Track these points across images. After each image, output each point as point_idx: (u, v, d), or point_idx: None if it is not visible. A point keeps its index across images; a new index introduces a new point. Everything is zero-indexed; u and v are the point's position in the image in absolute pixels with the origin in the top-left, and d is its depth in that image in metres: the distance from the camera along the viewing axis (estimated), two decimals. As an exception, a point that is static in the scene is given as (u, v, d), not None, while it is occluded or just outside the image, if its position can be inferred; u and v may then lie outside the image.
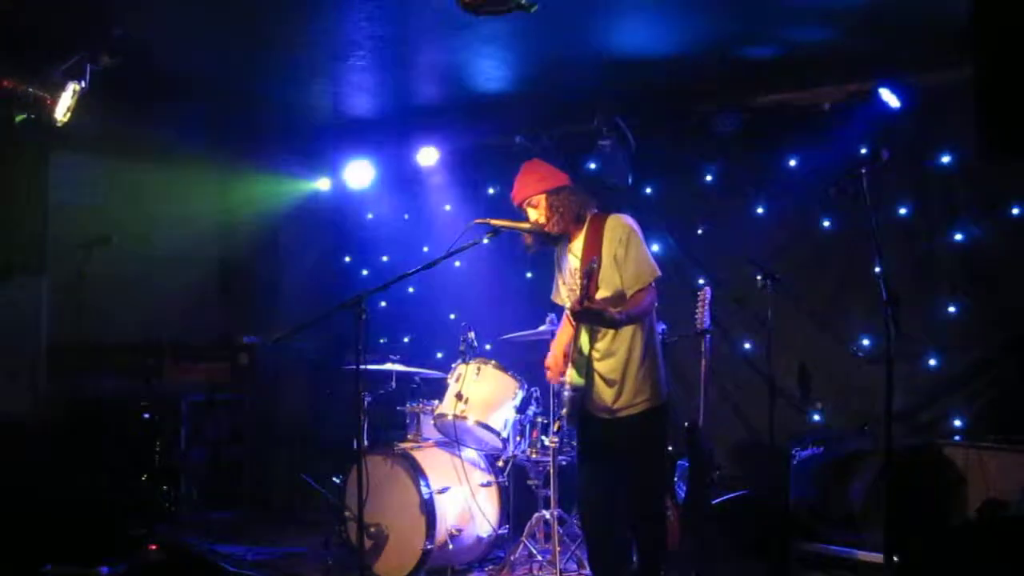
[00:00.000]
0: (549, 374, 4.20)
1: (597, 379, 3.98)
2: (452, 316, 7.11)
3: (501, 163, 6.91)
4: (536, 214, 4.11)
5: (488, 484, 5.48)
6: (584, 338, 3.98)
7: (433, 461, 5.34)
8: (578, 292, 3.79)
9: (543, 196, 4.09)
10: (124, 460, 6.61)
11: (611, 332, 3.95)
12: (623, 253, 3.93)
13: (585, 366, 3.96)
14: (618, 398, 3.97)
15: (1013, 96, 2.59)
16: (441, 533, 5.11)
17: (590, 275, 3.71)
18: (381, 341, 7.25)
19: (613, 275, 3.94)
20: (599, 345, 3.98)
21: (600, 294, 3.89)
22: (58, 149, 6.31)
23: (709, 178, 6.16)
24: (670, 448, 5.08)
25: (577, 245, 4.07)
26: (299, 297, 7.76)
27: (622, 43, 5.15)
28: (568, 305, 4.19)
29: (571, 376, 3.97)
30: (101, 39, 4.75)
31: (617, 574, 4.11)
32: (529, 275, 6.64)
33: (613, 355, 3.97)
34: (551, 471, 5.10)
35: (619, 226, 3.98)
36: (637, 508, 4.04)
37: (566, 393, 3.96)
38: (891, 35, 4.91)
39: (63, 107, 4.91)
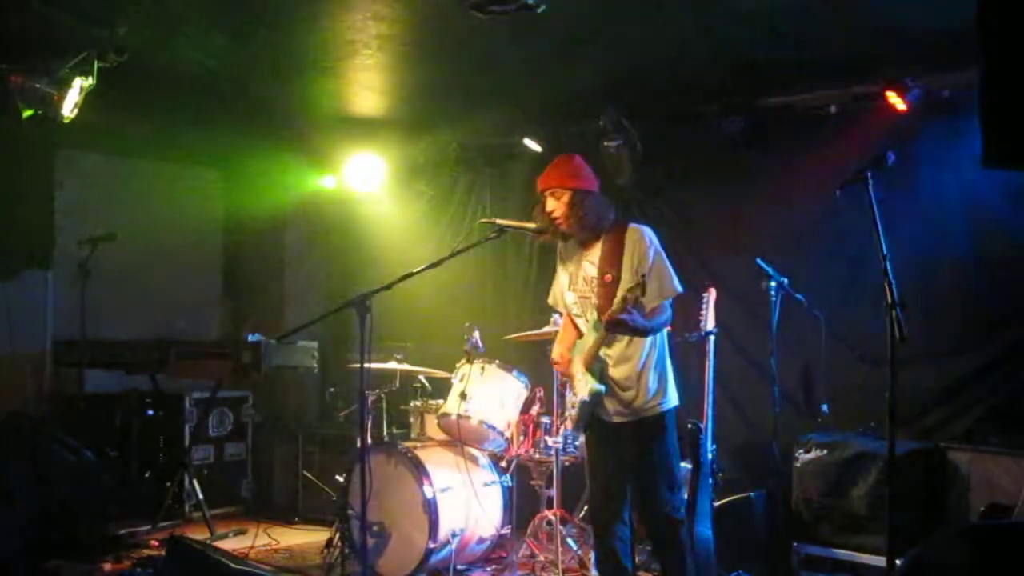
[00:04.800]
0: (558, 367, 4.22)
1: (612, 385, 3.99)
2: (456, 315, 7.10)
3: (507, 162, 6.93)
4: (554, 204, 4.06)
5: (491, 484, 5.49)
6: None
7: (436, 460, 5.34)
8: (598, 300, 3.84)
9: (572, 192, 4.05)
10: (127, 456, 6.62)
11: (625, 338, 3.97)
12: (648, 266, 3.91)
13: (600, 372, 3.97)
14: (632, 402, 3.99)
15: (1017, 103, 2.58)
16: (443, 532, 5.11)
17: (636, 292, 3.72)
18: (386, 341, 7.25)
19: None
20: (612, 351, 3.99)
21: (618, 304, 3.90)
22: (65, 146, 6.32)
23: (714, 179, 6.16)
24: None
25: (594, 254, 4.06)
26: (303, 295, 7.78)
27: (628, 44, 5.14)
28: (574, 312, 4.19)
29: (590, 383, 3.97)
30: (109, 36, 4.76)
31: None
32: (534, 275, 6.64)
33: (628, 360, 3.98)
34: (554, 471, 5.10)
35: (642, 238, 3.99)
36: (649, 511, 4.06)
37: (583, 400, 3.96)
38: (897, 38, 4.91)
39: (70, 104, 4.92)
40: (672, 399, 4.08)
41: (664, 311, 3.98)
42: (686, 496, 5.00)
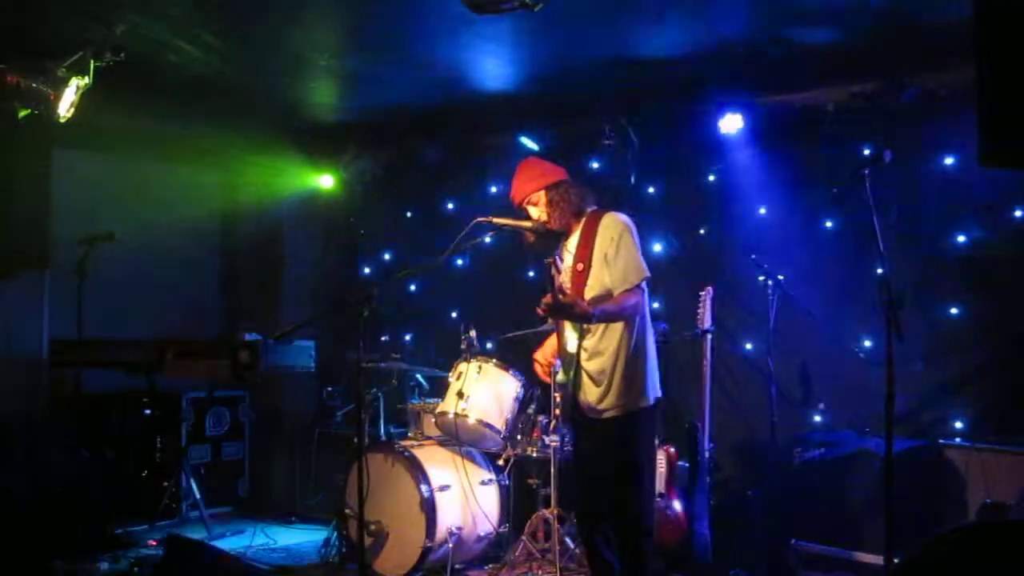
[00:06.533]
0: (536, 367, 4.19)
1: (585, 378, 3.91)
2: (454, 314, 7.12)
3: (504, 162, 6.92)
4: (537, 212, 4.03)
5: (488, 482, 5.49)
6: (572, 336, 3.95)
7: (434, 459, 5.34)
8: (571, 290, 3.76)
9: (542, 192, 4.01)
10: (125, 456, 6.61)
11: (599, 331, 3.87)
12: (613, 252, 3.84)
13: (573, 364, 3.93)
14: (603, 399, 3.87)
15: (1014, 101, 2.57)
16: (441, 531, 5.11)
17: (550, 269, 3.67)
18: (383, 339, 7.25)
19: (603, 274, 3.86)
20: (587, 344, 3.90)
21: (588, 293, 3.85)
22: (62, 145, 6.31)
23: (712, 178, 6.16)
24: (672, 449, 5.10)
25: (572, 242, 3.99)
26: (301, 294, 7.77)
27: (626, 43, 5.14)
28: None
29: (559, 374, 3.96)
30: (105, 35, 4.75)
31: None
32: (531, 273, 6.65)
33: (601, 354, 3.87)
34: (551, 470, 5.10)
35: (613, 224, 3.89)
36: (617, 514, 3.92)
37: (556, 392, 3.97)
38: (895, 36, 4.91)
39: (66, 103, 4.91)
40: (646, 400, 3.90)
41: (630, 298, 3.80)
42: (684, 494, 5.02)
